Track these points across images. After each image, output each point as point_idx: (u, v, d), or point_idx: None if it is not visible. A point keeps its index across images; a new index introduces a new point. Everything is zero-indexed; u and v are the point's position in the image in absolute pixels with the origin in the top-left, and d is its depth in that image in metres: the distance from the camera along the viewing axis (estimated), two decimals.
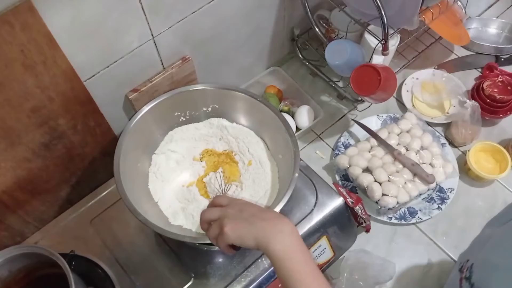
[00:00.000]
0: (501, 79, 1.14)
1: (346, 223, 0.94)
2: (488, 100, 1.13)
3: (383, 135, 1.09)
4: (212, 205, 0.69)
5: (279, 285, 0.84)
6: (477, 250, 0.66)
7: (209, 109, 0.94)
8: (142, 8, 0.76)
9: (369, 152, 1.07)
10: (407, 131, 1.10)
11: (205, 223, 0.67)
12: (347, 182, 1.07)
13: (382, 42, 0.92)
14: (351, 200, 0.93)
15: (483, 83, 1.15)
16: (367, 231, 0.99)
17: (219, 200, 0.68)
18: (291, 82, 1.19)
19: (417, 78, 1.23)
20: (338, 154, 1.09)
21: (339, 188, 0.96)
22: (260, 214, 0.64)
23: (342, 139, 1.13)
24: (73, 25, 0.68)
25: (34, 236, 0.92)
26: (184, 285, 0.83)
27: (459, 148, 1.14)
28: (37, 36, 0.64)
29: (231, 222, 0.62)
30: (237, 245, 0.63)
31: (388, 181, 1.01)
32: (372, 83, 0.91)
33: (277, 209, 0.76)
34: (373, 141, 1.09)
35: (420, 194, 1.03)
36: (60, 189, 0.92)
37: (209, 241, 0.77)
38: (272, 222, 0.62)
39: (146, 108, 0.86)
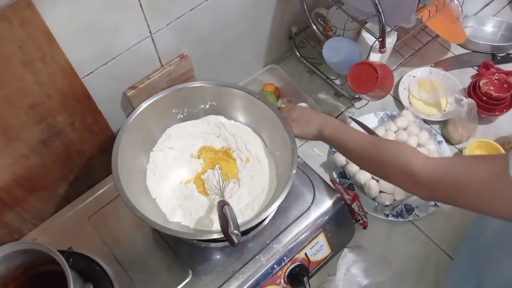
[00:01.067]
0: (497, 77, 1.15)
1: (344, 220, 0.94)
2: (484, 98, 1.13)
3: (380, 132, 1.09)
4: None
5: (277, 281, 0.85)
6: None
7: (207, 106, 0.94)
8: (140, 5, 0.76)
9: None
10: (404, 129, 1.10)
11: None
12: (344, 179, 1.07)
13: (380, 39, 0.92)
14: (348, 197, 0.93)
15: (479, 81, 1.15)
16: (364, 228, 1.00)
17: (285, 112, 0.94)
18: (288, 80, 1.19)
19: (414, 76, 1.24)
20: (335, 151, 1.09)
21: (336, 185, 0.97)
22: (314, 115, 0.93)
23: None
24: (71, 21, 0.68)
25: (31, 233, 0.92)
26: (182, 281, 0.83)
27: (455, 145, 1.14)
28: (35, 32, 0.64)
29: (295, 124, 0.90)
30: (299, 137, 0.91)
31: None
32: (370, 80, 0.92)
33: (275, 205, 0.77)
34: None
35: None
36: (58, 186, 0.92)
37: (207, 238, 0.78)
38: (321, 119, 0.90)
39: (144, 105, 0.86)
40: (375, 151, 0.78)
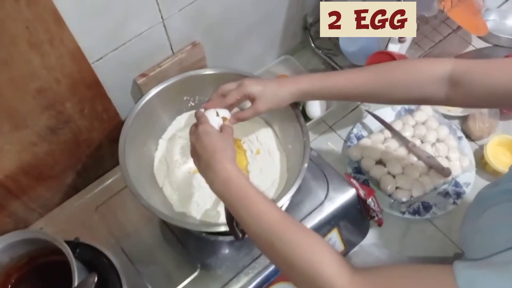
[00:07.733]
0: None
1: (358, 216, 0.91)
2: None
3: (397, 126, 1.07)
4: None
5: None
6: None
7: None
8: None
9: (383, 144, 1.05)
10: (423, 123, 1.07)
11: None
12: (359, 174, 1.04)
13: None
14: (363, 192, 0.90)
15: None
16: (380, 225, 0.97)
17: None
18: (303, 72, 1.17)
19: None
20: (351, 145, 1.06)
21: (351, 179, 0.94)
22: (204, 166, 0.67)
23: (354, 131, 1.10)
24: (80, 2, 0.66)
25: (37, 223, 0.91)
26: (190, 275, 0.82)
27: (476, 141, 1.11)
28: (43, 12, 0.62)
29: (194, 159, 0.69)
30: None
31: (402, 173, 0.99)
32: None
33: (286, 198, 0.74)
34: (387, 133, 1.06)
35: (435, 188, 1.00)
36: (66, 175, 0.90)
37: (213, 231, 0.75)
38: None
39: (154, 91, 0.84)
40: (279, 242, 0.58)
